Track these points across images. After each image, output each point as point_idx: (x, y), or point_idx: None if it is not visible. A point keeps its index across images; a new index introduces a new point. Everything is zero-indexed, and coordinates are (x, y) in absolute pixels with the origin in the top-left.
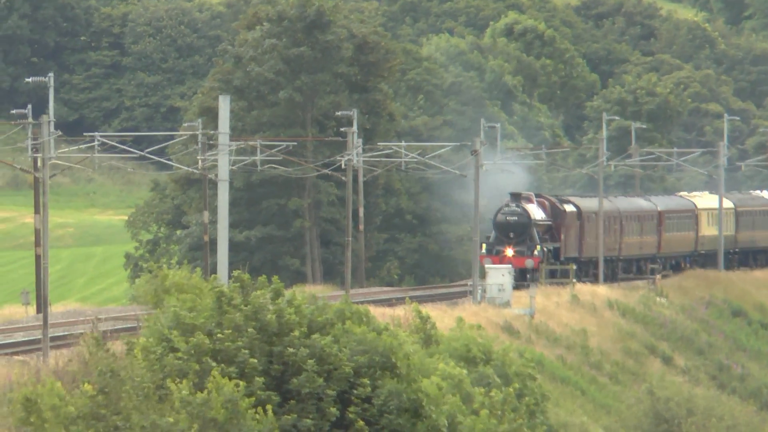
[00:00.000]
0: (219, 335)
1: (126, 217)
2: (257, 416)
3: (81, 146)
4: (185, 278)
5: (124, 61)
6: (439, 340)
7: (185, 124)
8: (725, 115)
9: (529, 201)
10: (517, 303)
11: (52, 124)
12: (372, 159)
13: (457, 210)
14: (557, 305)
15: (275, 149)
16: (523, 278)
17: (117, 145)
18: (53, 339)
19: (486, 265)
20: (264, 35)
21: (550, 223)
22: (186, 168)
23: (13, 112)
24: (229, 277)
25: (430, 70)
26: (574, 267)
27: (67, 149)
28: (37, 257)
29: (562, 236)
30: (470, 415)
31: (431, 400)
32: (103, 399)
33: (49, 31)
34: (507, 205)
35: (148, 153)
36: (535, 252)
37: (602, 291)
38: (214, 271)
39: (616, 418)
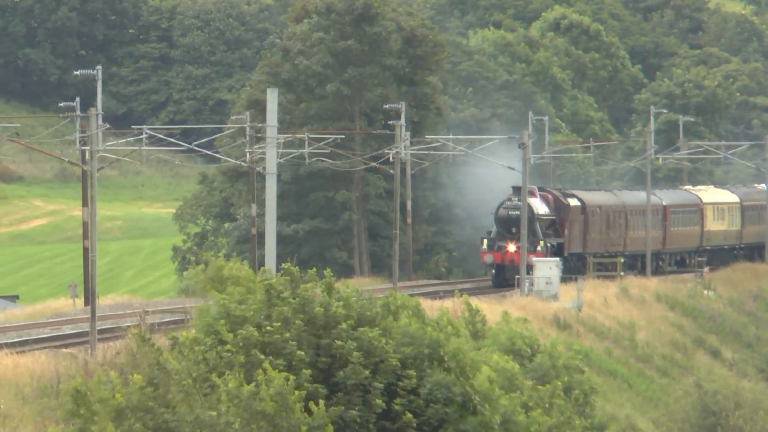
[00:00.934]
0: (267, 328)
1: (174, 210)
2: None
3: (129, 139)
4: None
5: (173, 54)
6: (486, 334)
7: (233, 117)
8: None
9: (532, 195)
10: (564, 296)
11: (100, 116)
12: (420, 152)
13: None
14: (605, 298)
15: (323, 142)
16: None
17: (165, 137)
18: (101, 332)
19: (533, 258)
20: (312, 28)
21: (553, 217)
22: (234, 161)
23: (62, 104)
24: (277, 270)
25: (479, 63)
26: (622, 260)
27: (115, 142)
28: (85, 250)
29: (566, 231)
30: (522, 411)
31: (482, 395)
32: (151, 391)
33: (98, 23)
34: (509, 199)
35: (196, 146)
36: (538, 248)
37: (651, 284)
38: (261, 264)
39: (664, 411)
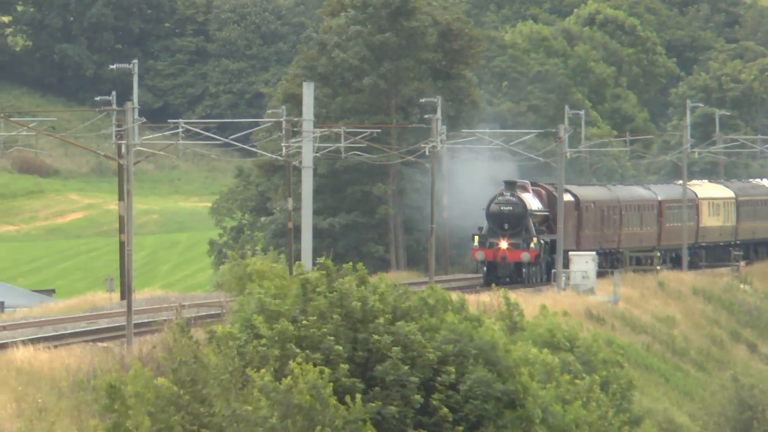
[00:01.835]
0: (304, 322)
1: (210, 204)
2: (345, 403)
3: (165, 133)
4: (267, 265)
5: (209, 48)
6: (524, 327)
7: (269, 111)
8: None
9: (525, 190)
10: (601, 290)
11: (136, 110)
12: (456, 146)
13: None
14: (642, 292)
15: (359, 136)
16: (518, 273)
17: (201, 131)
18: (137, 326)
19: (570, 252)
20: (348, 22)
21: (546, 213)
22: (270, 155)
23: (98, 98)
24: (314, 264)
25: (514, 57)
26: (658, 254)
27: (151, 136)
28: (122, 244)
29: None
30: (560, 404)
31: (526, 390)
32: (187, 386)
33: (134, 18)
34: (501, 194)
35: (233, 140)
36: (532, 245)
37: (687, 278)
38: (298, 257)
39: (700, 405)
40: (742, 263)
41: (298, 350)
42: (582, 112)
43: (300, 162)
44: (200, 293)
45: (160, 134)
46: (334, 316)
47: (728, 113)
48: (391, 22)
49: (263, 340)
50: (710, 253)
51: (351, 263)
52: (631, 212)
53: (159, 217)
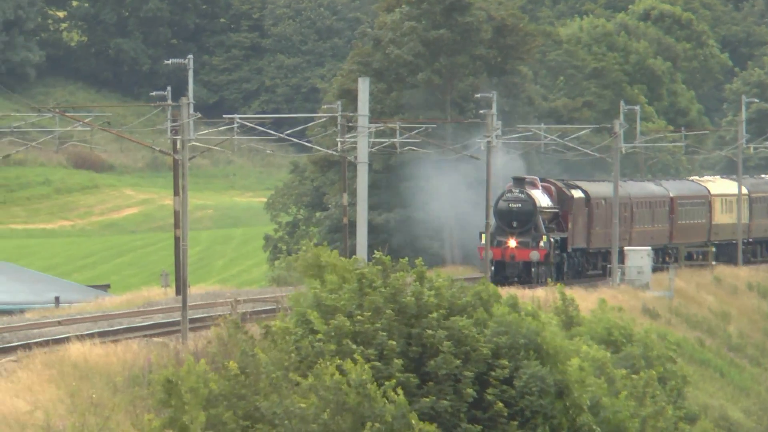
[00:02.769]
0: (359, 317)
1: (265, 199)
2: (390, 398)
3: (220, 128)
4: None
5: (264, 43)
6: (581, 322)
7: (324, 106)
8: None
9: (534, 186)
10: (656, 285)
11: (191, 106)
12: (511, 141)
13: None
14: (697, 287)
15: (414, 131)
16: (527, 273)
17: (256, 127)
18: (192, 321)
19: (626, 248)
20: (403, 17)
21: (556, 210)
22: (325, 150)
23: (153, 94)
24: (368, 260)
25: (570, 52)
26: (713, 249)
27: (206, 131)
28: (177, 239)
29: (570, 225)
30: (612, 397)
31: (575, 382)
32: (243, 380)
33: (189, 13)
34: (509, 191)
35: (288, 135)
36: (541, 243)
37: (743, 273)
38: (353, 253)
39: (755, 401)
40: None
41: (353, 345)
42: (637, 108)
43: (355, 157)
44: (255, 288)
45: (216, 129)
46: (388, 311)
47: None
48: (445, 17)
49: (319, 335)
50: (722, 252)
51: (407, 258)
52: (642, 209)
53: (214, 212)
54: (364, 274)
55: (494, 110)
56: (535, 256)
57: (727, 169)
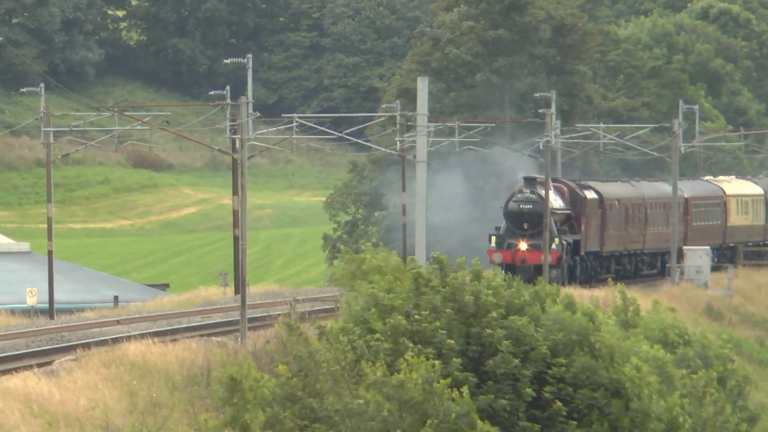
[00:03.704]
0: (416, 316)
1: (324, 199)
2: (453, 396)
3: (279, 127)
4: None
5: (323, 42)
6: (638, 323)
7: (383, 105)
8: None
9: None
10: (715, 285)
11: (250, 105)
12: (570, 140)
13: None
14: (758, 286)
15: (473, 131)
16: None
17: (315, 126)
18: (251, 320)
19: (684, 247)
20: (462, 17)
21: (569, 211)
22: (384, 149)
23: (212, 93)
24: (427, 259)
25: (628, 52)
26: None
27: (265, 130)
28: (235, 238)
29: (583, 227)
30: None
31: (633, 383)
32: (299, 381)
33: (248, 12)
34: (520, 191)
35: (347, 134)
36: (553, 246)
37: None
38: (411, 252)
39: None
40: None
41: (410, 344)
42: (696, 107)
43: (414, 156)
44: (314, 288)
45: (275, 129)
46: (447, 310)
47: None
48: (504, 17)
49: (376, 335)
50: (736, 256)
51: (464, 258)
52: (656, 210)
53: (273, 211)
54: (420, 274)
55: (553, 109)
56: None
57: None
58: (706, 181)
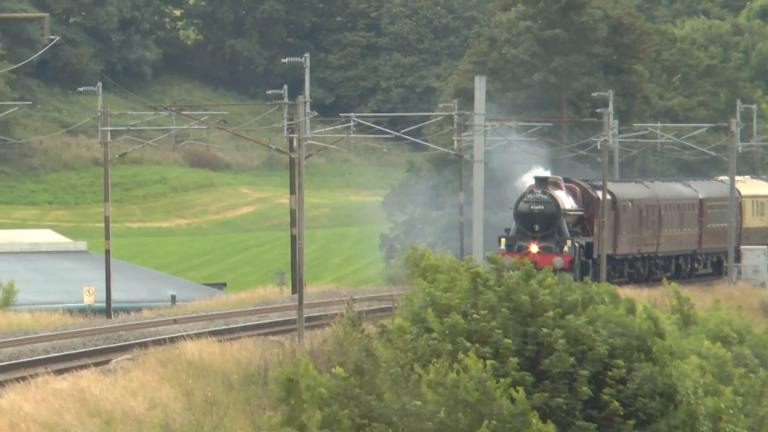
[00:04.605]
0: (474, 316)
1: (381, 198)
2: (511, 395)
3: (337, 126)
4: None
5: (380, 42)
6: (697, 321)
7: (441, 105)
8: None
9: (557, 187)
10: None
11: (307, 104)
12: (627, 140)
13: None
14: None
15: (530, 130)
16: None
17: (372, 125)
18: (308, 319)
19: (741, 247)
20: (519, 17)
21: (581, 213)
22: (441, 149)
23: (269, 92)
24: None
25: (684, 51)
26: None
27: (322, 130)
28: (293, 237)
29: (596, 229)
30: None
31: (685, 384)
32: (356, 380)
33: (305, 11)
34: (531, 192)
35: (404, 133)
36: (565, 248)
37: None
38: (468, 252)
39: None
40: None
41: (468, 344)
42: (754, 106)
43: (471, 156)
44: (371, 287)
45: (332, 128)
46: (503, 310)
47: None
48: (561, 17)
49: (434, 334)
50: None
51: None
52: (671, 212)
53: (330, 210)
54: (478, 273)
55: (611, 109)
56: (558, 262)
57: None
58: (721, 181)
